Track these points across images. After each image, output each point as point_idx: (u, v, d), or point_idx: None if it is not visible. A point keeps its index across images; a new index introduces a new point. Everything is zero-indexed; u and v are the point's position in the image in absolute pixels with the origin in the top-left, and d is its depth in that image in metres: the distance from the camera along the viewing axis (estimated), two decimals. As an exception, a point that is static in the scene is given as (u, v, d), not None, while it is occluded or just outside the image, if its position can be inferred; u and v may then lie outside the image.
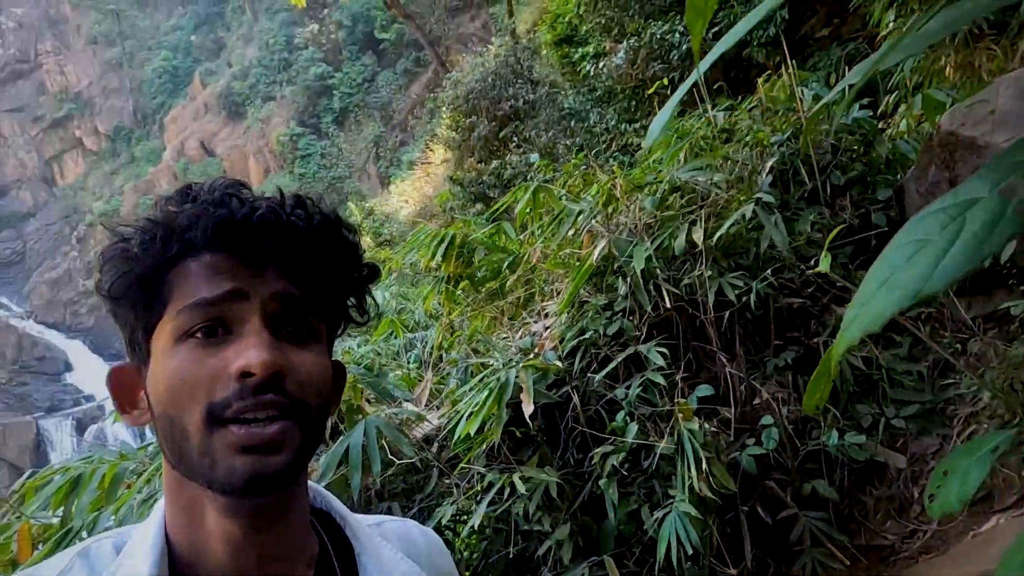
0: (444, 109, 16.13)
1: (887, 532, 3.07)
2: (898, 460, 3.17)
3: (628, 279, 3.19)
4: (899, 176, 4.25)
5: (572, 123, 12.72)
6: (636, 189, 3.69)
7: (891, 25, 6.90)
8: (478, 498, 2.91)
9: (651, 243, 3.25)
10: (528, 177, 12.30)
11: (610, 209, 3.61)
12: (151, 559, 0.75)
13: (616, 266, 3.28)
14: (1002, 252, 3.18)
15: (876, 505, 3.08)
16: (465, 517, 2.98)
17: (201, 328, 0.74)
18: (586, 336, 3.18)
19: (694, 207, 3.45)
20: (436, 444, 3.29)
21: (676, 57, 11.08)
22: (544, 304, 3.64)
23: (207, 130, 39.60)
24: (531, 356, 3.23)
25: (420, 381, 3.81)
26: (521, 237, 4.08)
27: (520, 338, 3.51)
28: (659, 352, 2.96)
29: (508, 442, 3.09)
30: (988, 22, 5.72)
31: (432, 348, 3.94)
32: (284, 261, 0.77)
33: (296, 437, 0.74)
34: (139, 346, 0.80)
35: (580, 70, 13.46)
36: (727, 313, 3.16)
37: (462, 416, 2.88)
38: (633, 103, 12.78)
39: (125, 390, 0.82)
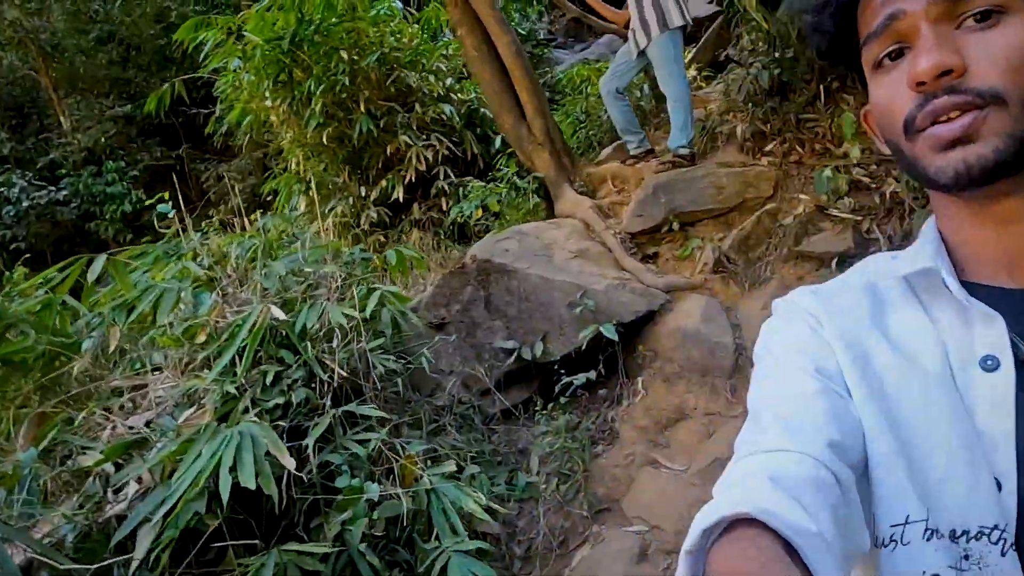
0: None
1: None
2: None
3: (300, 349, 2.91)
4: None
5: None
6: (245, 272, 3.41)
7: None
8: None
9: (308, 312, 3.07)
10: None
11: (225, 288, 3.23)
12: (931, 248, 0.78)
13: (282, 335, 2.94)
14: (524, 349, 4.14)
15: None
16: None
17: (885, 55, 0.74)
18: (267, 406, 2.70)
19: (322, 288, 3.42)
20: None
21: (12, 214, 10.53)
22: (158, 385, 2.87)
23: None
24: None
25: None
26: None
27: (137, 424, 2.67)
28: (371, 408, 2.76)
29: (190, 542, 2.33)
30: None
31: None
32: None
33: (998, 122, 0.67)
34: (864, 86, 0.82)
35: None
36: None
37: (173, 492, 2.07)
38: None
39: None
